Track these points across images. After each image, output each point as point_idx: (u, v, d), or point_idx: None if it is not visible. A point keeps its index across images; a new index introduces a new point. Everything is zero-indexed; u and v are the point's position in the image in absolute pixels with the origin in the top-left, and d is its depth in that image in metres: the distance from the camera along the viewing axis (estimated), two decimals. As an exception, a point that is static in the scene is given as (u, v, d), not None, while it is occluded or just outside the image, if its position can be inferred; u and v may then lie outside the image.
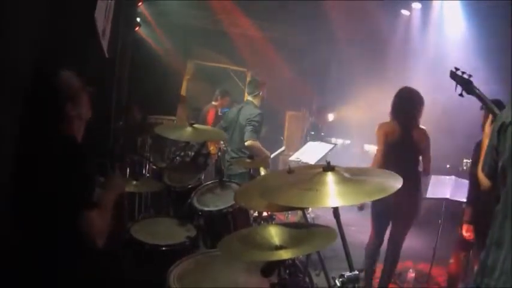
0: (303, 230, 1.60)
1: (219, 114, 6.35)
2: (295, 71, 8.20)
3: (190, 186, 2.83)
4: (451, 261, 3.50)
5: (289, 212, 4.60)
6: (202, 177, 3.00)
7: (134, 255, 2.31)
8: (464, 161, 5.86)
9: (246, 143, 4.07)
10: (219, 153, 4.26)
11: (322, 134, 6.54)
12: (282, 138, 8.57)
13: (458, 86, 2.64)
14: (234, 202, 2.41)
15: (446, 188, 4.08)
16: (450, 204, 4.02)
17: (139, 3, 6.21)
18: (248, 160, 3.33)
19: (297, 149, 5.41)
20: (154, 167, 4.45)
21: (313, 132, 6.46)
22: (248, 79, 8.10)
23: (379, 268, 3.69)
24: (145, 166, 4.74)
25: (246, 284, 1.74)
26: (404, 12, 7.55)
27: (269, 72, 7.62)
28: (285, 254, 1.48)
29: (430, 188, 4.16)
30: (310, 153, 4.82)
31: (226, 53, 8.38)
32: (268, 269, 1.52)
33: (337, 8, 6.81)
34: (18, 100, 1.62)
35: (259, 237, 1.57)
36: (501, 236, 1.62)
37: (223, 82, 8.23)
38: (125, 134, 4.28)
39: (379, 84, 6.14)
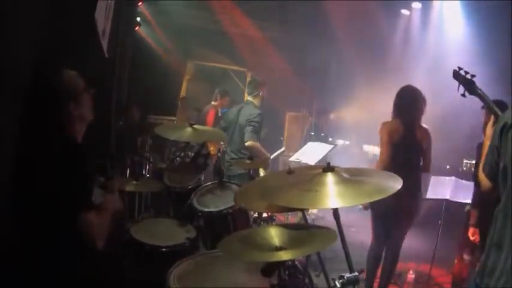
0: (303, 231, 1.59)
1: (219, 114, 6.34)
2: (295, 71, 8.19)
3: (190, 186, 2.83)
4: (455, 262, 3.47)
5: (289, 213, 4.58)
6: (202, 178, 3.00)
7: (134, 256, 2.30)
8: (464, 161, 5.85)
9: (246, 144, 4.04)
10: (219, 154, 4.27)
11: (322, 134, 6.53)
12: (281, 138, 8.58)
13: (460, 86, 2.59)
14: (234, 203, 2.40)
15: (446, 188, 4.08)
16: (450, 205, 4.03)
17: (139, 3, 6.22)
18: (248, 161, 3.33)
19: (296, 150, 5.39)
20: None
21: (313, 133, 6.45)
22: (248, 79, 8.10)
23: (379, 268, 3.67)
24: (145, 166, 4.75)
25: (246, 285, 1.73)
26: (404, 12, 7.56)
27: (269, 72, 7.62)
28: (285, 255, 1.48)
29: (430, 189, 4.15)
30: (310, 153, 4.79)
31: (226, 53, 8.39)
32: (268, 269, 1.52)
33: (337, 8, 6.81)
34: (18, 100, 1.62)
35: (259, 238, 1.57)
36: (502, 236, 1.61)
37: (223, 82, 8.20)
38: (124, 134, 4.29)
39: (379, 84, 6.13)
